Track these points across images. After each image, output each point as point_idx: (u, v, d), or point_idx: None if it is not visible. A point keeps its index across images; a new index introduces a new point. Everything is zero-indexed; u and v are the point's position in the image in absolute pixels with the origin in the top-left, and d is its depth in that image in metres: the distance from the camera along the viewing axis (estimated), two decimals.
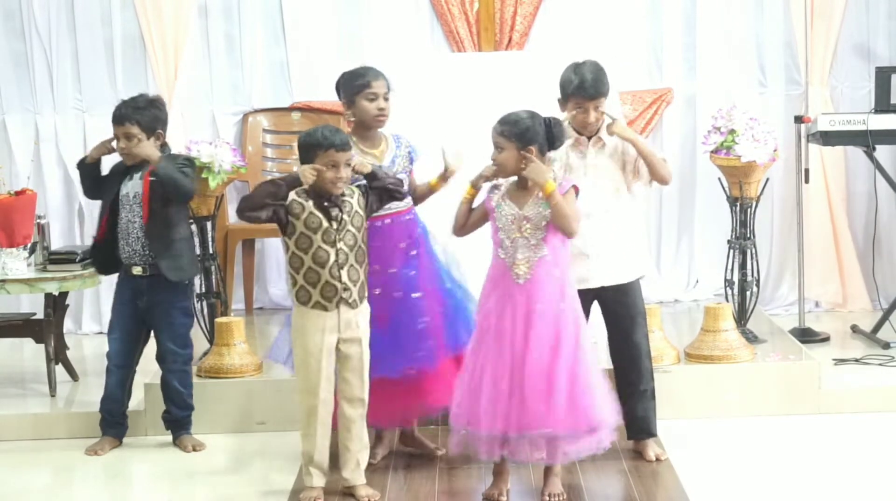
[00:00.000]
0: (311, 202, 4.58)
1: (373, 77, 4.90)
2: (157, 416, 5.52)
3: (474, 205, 4.70)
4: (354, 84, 4.90)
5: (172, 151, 5.37)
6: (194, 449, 5.37)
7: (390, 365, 4.84)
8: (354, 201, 4.65)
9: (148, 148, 5.19)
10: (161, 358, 5.40)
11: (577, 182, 4.70)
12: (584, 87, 4.83)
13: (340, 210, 4.59)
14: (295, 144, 4.69)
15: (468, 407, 4.55)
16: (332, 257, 4.57)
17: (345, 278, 4.60)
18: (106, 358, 5.43)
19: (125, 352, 5.38)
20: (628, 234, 4.99)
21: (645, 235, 7.08)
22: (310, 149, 4.57)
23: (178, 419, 5.44)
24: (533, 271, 4.54)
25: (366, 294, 4.68)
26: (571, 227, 4.53)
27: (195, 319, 6.09)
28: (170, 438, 5.47)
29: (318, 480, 4.69)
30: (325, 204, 4.58)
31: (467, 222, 4.70)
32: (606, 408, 4.59)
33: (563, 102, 4.92)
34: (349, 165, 4.58)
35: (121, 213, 5.26)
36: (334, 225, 4.58)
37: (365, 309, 4.69)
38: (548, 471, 4.63)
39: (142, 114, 5.22)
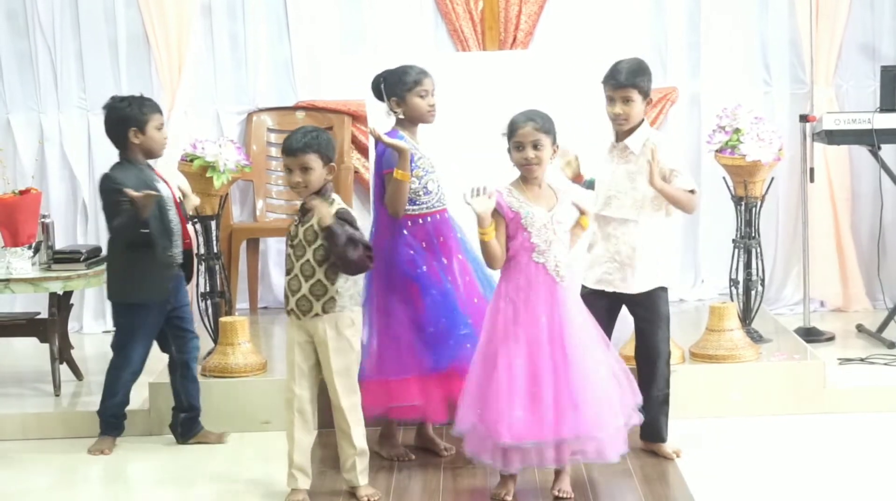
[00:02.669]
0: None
1: (423, 75, 5.01)
2: (162, 416, 5.52)
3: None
4: (405, 81, 4.98)
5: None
6: (219, 439, 5.44)
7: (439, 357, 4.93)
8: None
9: None
10: (187, 351, 5.39)
11: (620, 188, 4.81)
12: (613, 75, 4.85)
13: (300, 219, 4.60)
14: None
15: (514, 417, 4.44)
16: (288, 265, 4.63)
17: (285, 285, 4.64)
18: (121, 365, 5.33)
19: (145, 359, 5.37)
20: (658, 242, 4.99)
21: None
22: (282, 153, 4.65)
23: (198, 414, 5.44)
24: (569, 272, 4.57)
25: (314, 310, 4.58)
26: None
27: (201, 318, 6.12)
28: (172, 437, 5.48)
29: (302, 482, 4.68)
30: (299, 211, 4.63)
31: (500, 249, 4.56)
32: (629, 406, 4.66)
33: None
34: (306, 169, 4.53)
35: (169, 214, 5.23)
36: (290, 233, 4.62)
37: (332, 319, 4.60)
38: (559, 470, 4.62)
39: None
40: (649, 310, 5.00)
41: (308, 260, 4.57)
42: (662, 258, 5.01)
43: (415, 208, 4.95)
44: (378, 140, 4.88)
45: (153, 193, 5.07)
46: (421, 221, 4.97)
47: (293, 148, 4.54)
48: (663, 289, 5.02)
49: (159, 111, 5.29)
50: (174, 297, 5.31)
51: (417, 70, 5.02)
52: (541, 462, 4.52)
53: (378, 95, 5.07)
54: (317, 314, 4.59)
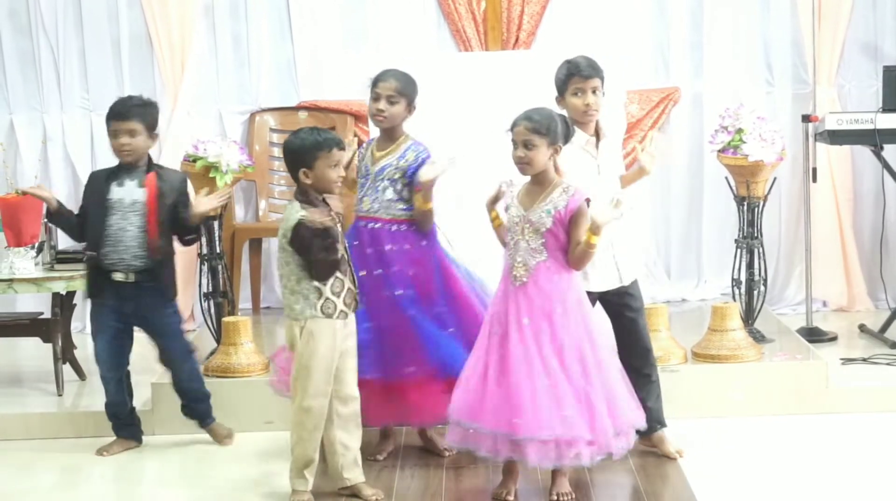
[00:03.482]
0: (327, 216, 4.54)
1: (380, 78, 4.97)
2: (165, 415, 5.53)
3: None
4: (370, 84, 4.99)
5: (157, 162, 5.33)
6: (228, 438, 5.41)
7: (392, 368, 4.91)
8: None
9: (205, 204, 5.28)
10: (165, 361, 5.37)
11: (592, 184, 4.72)
12: (579, 68, 4.83)
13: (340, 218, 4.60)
14: None
15: (469, 402, 4.51)
16: (346, 263, 4.59)
17: (355, 281, 4.62)
18: (96, 364, 5.36)
19: (114, 357, 5.30)
20: (630, 233, 4.99)
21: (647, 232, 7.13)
22: (308, 152, 4.51)
23: (199, 412, 5.44)
24: (531, 275, 4.52)
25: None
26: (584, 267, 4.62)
27: (204, 318, 6.12)
28: (178, 437, 5.48)
29: (310, 483, 4.67)
30: (332, 212, 4.55)
31: (504, 238, 4.63)
32: (624, 414, 4.56)
33: (561, 96, 4.89)
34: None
35: (110, 219, 5.16)
36: (340, 229, 4.57)
37: None
38: (556, 471, 4.62)
39: (144, 111, 5.18)
40: (636, 298, 5.00)
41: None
42: (635, 249, 5.07)
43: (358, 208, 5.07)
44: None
45: (39, 193, 5.24)
46: (360, 222, 5.01)
47: (343, 142, 4.59)
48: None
49: (119, 118, 5.13)
50: (126, 304, 5.20)
51: (380, 73, 4.99)
52: (494, 451, 4.48)
53: None
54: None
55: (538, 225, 4.50)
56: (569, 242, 4.51)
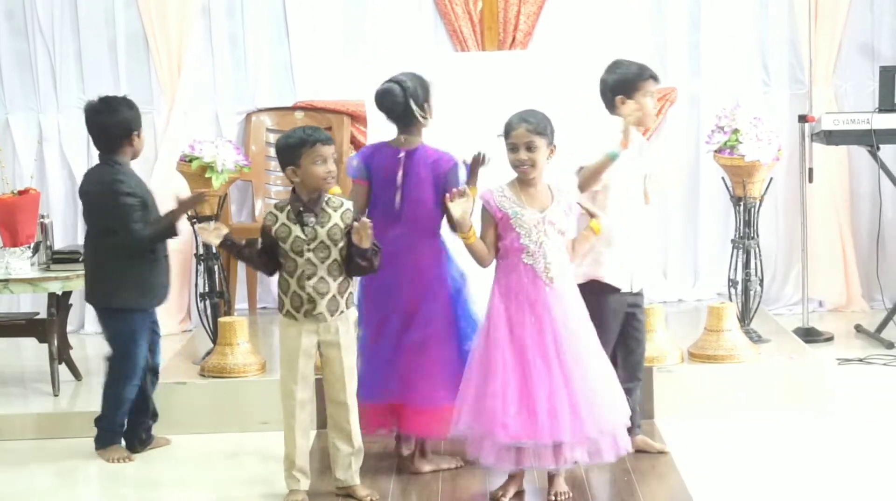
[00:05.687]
0: (284, 213, 4.54)
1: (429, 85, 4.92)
2: (161, 417, 5.48)
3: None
4: (427, 88, 4.89)
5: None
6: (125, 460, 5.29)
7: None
8: (338, 215, 4.58)
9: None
10: (158, 354, 5.36)
11: (618, 185, 4.78)
12: (649, 70, 4.89)
13: (316, 219, 4.55)
14: None
15: (509, 416, 4.42)
16: (300, 268, 4.54)
17: (309, 289, 4.55)
18: (129, 374, 5.17)
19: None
20: (645, 240, 4.99)
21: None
22: (293, 149, 4.52)
23: (149, 429, 5.38)
24: (562, 275, 4.52)
25: (340, 308, 4.58)
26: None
27: (200, 318, 6.12)
28: (174, 438, 5.46)
29: (303, 483, 4.67)
30: (301, 210, 4.54)
31: (485, 250, 4.55)
32: (623, 411, 4.62)
33: (626, 95, 4.86)
34: (334, 159, 4.58)
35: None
36: (306, 234, 4.54)
37: (346, 316, 4.63)
38: (552, 474, 4.61)
39: None
40: (643, 310, 5.05)
41: (335, 260, 4.55)
42: (648, 257, 5.08)
43: None
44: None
45: (203, 191, 5.09)
46: None
47: (329, 137, 4.57)
48: None
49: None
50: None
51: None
52: (539, 462, 4.49)
53: (416, 103, 4.86)
54: (342, 312, 4.60)
55: (560, 225, 4.52)
56: None
